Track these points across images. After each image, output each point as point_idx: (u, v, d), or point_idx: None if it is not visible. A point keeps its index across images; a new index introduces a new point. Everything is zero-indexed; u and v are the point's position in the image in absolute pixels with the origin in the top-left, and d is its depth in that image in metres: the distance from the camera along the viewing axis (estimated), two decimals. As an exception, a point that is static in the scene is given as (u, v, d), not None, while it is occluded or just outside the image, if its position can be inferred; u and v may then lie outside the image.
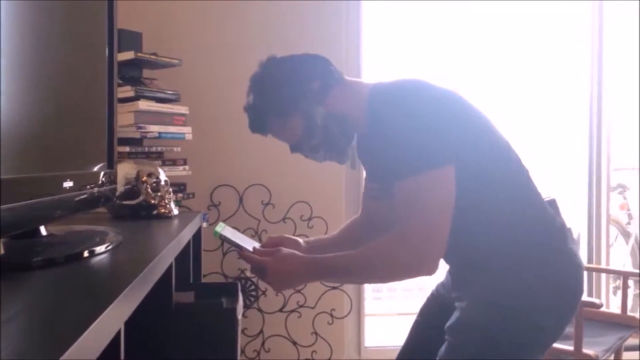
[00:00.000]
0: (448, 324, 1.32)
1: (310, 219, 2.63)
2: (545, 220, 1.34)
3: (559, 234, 1.34)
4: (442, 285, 1.53)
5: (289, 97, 1.37)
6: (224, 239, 1.42)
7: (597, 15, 3.00)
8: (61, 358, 0.47)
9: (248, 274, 2.57)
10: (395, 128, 1.26)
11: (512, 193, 1.33)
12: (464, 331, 1.29)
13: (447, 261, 1.43)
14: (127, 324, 0.74)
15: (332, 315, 2.68)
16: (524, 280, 1.27)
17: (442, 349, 1.31)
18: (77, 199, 1.01)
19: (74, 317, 0.60)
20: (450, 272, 1.48)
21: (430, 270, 1.25)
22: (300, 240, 1.56)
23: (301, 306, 2.65)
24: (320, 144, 1.39)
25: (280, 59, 1.43)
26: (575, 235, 3.34)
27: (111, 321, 0.63)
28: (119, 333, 0.69)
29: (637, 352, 2.84)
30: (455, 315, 1.32)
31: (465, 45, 3.21)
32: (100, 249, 0.95)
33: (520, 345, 1.27)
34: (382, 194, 1.42)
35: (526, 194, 1.35)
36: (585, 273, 3.05)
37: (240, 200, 2.60)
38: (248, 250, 1.40)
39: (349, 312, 2.73)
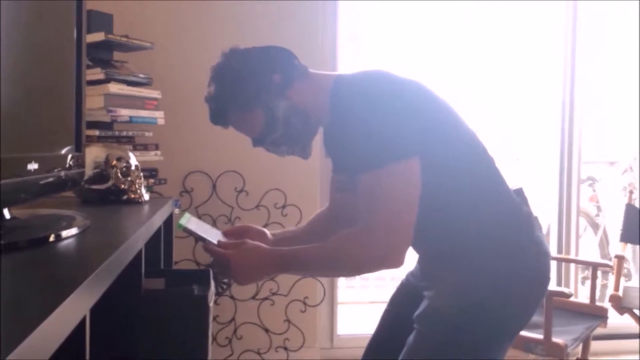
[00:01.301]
0: (417, 312, 1.32)
1: (284, 206, 2.61)
2: (512, 210, 1.34)
3: (526, 222, 1.35)
4: (411, 275, 1.53)
5: (250, 90, 1.35)
6: (188, 232, 1.38)
7: (571, 14, 3.04)
8: (19, 346, 0.45)
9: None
10: (357, 120, 1.25)
11: (477, 183, 1.33)
12: (432, 320, 1.30)
13: (416, 251, 1.44)
14: (94, 311, 0.71)
15: (305, 303, 2.68)
16: (490, 270, 1.28)
17: (411, 337, 1.31)
18: (42, 182, 0.97)
19: (35, 304, 0.58)
20: (419, 261, 1.48)
21: (396, 263, 1.24)
22: (267, 231, 1.54)
23: (274, 294, 2.64)
24: (282, 137, 1.37)
25: (243, 50, 1.41)
26: (545, 226, 3.40)
27: (75, 308, 0.61)
28: (84, 320, 0.67)
29: (604, 342, 2.90)
30: (424, 304, 1.33)
31: (441, 41, 3.22)
32: (66, 233, 0.92)
33: (489, 333, 1.28)
34: (348, 185, 1.41)
35: (492, 183, 1.35)
36: (554, 263, 3.11)
37: (214, 187, 2.57)
38: (212, 243, 1.37)
39: (322, 300, 2.73)
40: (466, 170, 1.32)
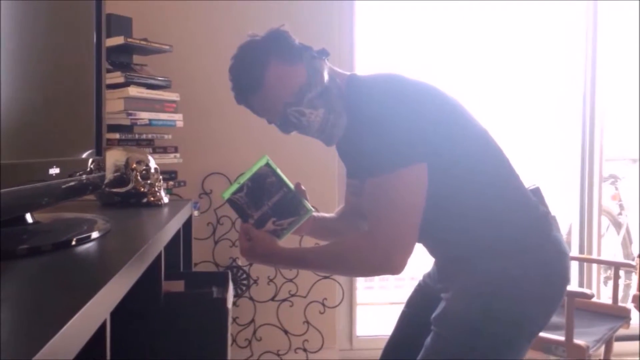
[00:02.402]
0: (434, 314, 1.32)
1: (302, 207, 2.61)
2: (527, 209, 1.33)
3: (543, 222, 1.33)
4: (428, 276, 1.53)
5: (296, 46, 1.32)
6: (232, 206, 1.35)
7: (591, 11, 3.00)
8: (41, 350, 0.46)
9: (240, 262, 2.56)
10: (367, 125, 1.25)
11: (491, 184, 1.31)
12: (450, 321, 1.29)
13: (433, 254, 1.44)
14: (115, 313, 0.72)
15: (324, 305, 2.68)
16: (508, 271, 1.27)
17: (428, 339, 1.31)
18: (64, 186, 0.99)
19: (57, 308, 0.59)
20: (435, 263, 1.48)
21: (396, 269, 1.24)
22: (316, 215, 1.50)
23: (293, 295, 2.64)
24: (319, 99, 1.29)
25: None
26: (567, 225, 3.36)
27: (96, 312, 0.62)
28: (104, 324, 0.67)
29: (627, 343, 2.86)
30: (441, 305, 1.32)
31: (459, 40, 3.20)
32: (88, 237, 0.93)
33: (506, 335, 1.27)
34: (360, 190, 1.40)
35: (507, 184, 1.34)
36: (576, 263, 3.07)
37: (232, 188, 2.58)
38: (247, 223, 1.37)
39: (341, 302, 2.73)
40: (479, 172, 1.31)
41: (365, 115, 1.26)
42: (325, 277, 2.64)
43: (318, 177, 2.63)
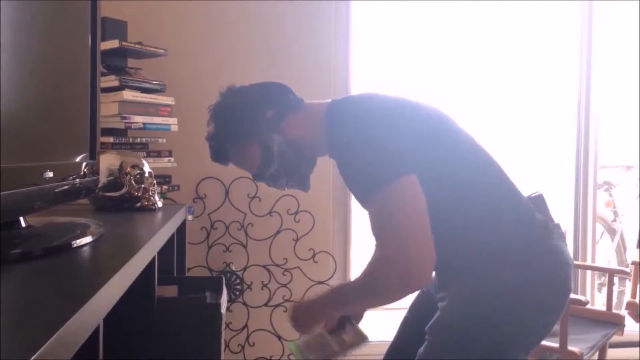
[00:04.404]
0: (429, 324, 1.31)
1: (297, 212, 2.61)
2: (522, 218, 1.32)
3: (541, 231, 1.32)
4: (432, 284, 1.52)
5: (245, 125, 1.40)
6: None
7: (586, 15, 3.01)
8: (33, 357, 0.45)
9: (233, 267, 2.55)
10: (351, 151, 1.26)
11: (482, 192, 1.31)
12: (444, 330, 1.28)
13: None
14: (108, 318, 0.71)
15: (317, 310, 2.67)
16: (504, 280, 1.25)
17: (422, 348, 1.30)
18: (57, 190, 0.98)
19: (50, 313, 0.58)
20: (436, 272, 1.47)
21: (422, 280, 1.22)
22: None
23: (287, 300, 2.63)
24: (279, 171, 1.41)
25: (239, 87, 1.46)
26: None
27: (89, 318, 0.61)
28: (97, 329, 0.67)
29: (621, 350, 2.86)
30: (437, 314, 1.31)
31: (454, 43, 3.20)
32: (80, 241, 0.93)
33: (502, 344, 1.25)
34: None
35: (498, 192, 1.33)
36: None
37: (226, 193, 2.58)
38: None
39: (335, 307, 2.71)
40: (470, 181, 1.30)
41: (346, 142, 1.27)
42: (320, 282, 2.63)
43: (313, 179, 2.62)
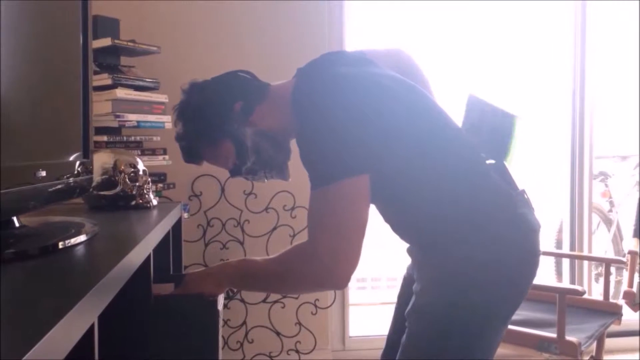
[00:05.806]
0: (407, 310, 1.30)
1: (293, 208, 2.61)
2: (487, 189, 1.29)
3: (505, 200, 1.29)
4: (410, 267, 1.51)
5: (214, 123, 1.36)
6: None
7: (579, 9, 3.01)
8: (27, 355, 0.45)
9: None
10: (302, 141, 1.24)
11: (446, 168, 1.28)
12: (421, 317, 1.27)
13: (407, 243, 1.42)
14: (103, 317, 0.71)
15: (315, 306, 2.67)
16: (473, 258, 1.23)
17: (404, 337, 1.29)
18: (51, 189, 0.97)
19: (44, 312, 0.58)
20: (408, 253, 1.46)
21: (339, 285, 1.22)
22: None
23: (284, 297, 2.63)
24: (256, 165, 1.37)
25: (201, 83, 1.44)
26: (557, 222, 3.37)
27: (83, 316, 0.61)
28: (92, 327, 0.66)
29: (619, 339, 2.87)
30: (412, 300, 1.30)
31: (449, 40, 3.21)
32: (75, 240, 0.92)
33: (480, 322, 1.24)
34: None
35: (463, 166, 1.30)
36: (567, 260, 3.08)
37: (222, 190, 2.57)
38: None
39: (333, 302, 2.72)
40: (431, 157, 1.27)
41: (307, 128, 1.24)
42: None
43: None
